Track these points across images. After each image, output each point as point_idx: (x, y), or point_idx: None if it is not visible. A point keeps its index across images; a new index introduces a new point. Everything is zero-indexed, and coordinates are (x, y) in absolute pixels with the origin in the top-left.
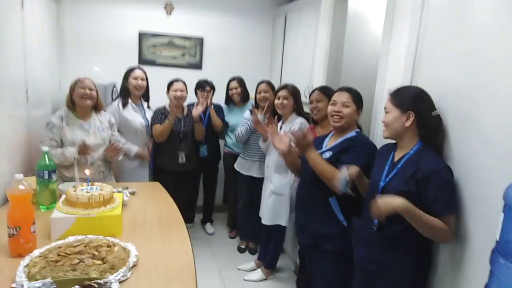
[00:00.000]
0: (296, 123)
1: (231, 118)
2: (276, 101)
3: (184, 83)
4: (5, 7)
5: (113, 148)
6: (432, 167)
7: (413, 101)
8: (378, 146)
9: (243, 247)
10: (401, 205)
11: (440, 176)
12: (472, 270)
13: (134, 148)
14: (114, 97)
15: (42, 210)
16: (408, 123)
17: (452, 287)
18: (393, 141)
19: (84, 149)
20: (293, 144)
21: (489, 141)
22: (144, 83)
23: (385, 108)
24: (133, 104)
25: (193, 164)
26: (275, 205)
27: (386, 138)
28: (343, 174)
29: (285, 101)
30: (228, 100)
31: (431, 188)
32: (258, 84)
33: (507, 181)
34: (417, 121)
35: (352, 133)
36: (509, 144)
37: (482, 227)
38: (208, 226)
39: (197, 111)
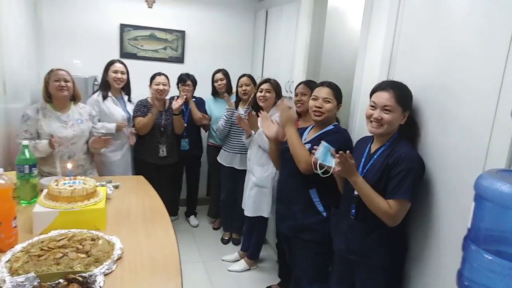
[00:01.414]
0: (276, 116)
1: (216, 110)
2: (259, 94)
3: (167, 77)
4: None
5: (101, 140)
6: (403, 154)
7: (410, 100)
8: (356, 139)
9: (226, 238)
10: (353, 178)
11: (406, 162)
12: (446, 256)
13: (112, 125)
14: (94, 90)
15: (23, 204)
16: (403, 121)
17: (427, 273)
18: (370, 134)
19: (53, 143)
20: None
21: (463, 132)
22: (125, 76)
23: (384, 105)
24: (113, 97)
25: (174, 157)
26: (257, 197)
27: (379, 134)
28: (323, 145)
29: (267, 94)
30: (214, 92)
31: (393, 171)
32: (239, 78)
33: (478, 171)
34: None
35: (330, 126)
36: (482, 134)
37: (454, 216)
38: (192, 219)
39: (176, 104)
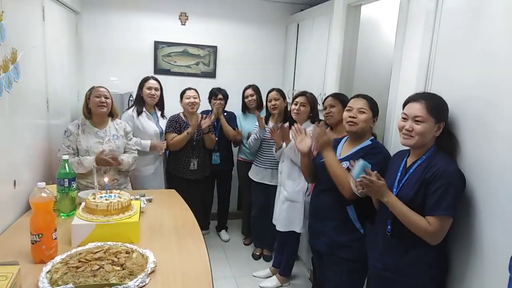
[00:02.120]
0: (309, 129)
1: (246, 125)
2: (293, 107)
3: (196, 91)
4: (27, 19)
5: (103, 159)
6: (441, 167)
7: (445, 111)
8: (392, 153)
9: (257, 254)
10: (385, 198)
11: (445, 177)
12: (490, 277)
13: (147, 142)
14: (130, 105)
15: (63, 217)
16: (438, 133)
17: None
18: (406, 148)
19: (102, 160)
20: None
21: (504, 144)
22: (158, 92)
23: (415, 116)
24: (147, 112)
25: (206, 172)
26: (289, 211)
27: (410, 146)
28: (359, 163)
29: (302, 108)
30: (244, 107)
31: (432, 186)
32: (268, 92)
33: None
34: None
35: (367, 142)
36: None
37: (498, 234)
38: (223, 233)
39: (205, 124)
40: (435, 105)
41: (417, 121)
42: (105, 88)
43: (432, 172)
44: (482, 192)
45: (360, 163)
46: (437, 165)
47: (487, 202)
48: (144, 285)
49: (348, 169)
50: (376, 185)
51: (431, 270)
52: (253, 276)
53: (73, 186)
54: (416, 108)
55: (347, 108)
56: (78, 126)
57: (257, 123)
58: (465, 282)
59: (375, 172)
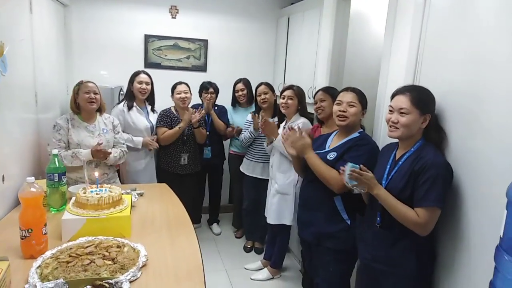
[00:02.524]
0: (299, 122)
1: (237, 119)
2: (281, 101)
3: (187, 85)
4: (14, 12)
5: (99, 151)
6: (430, 160)
7: (431, 102)
8: (381, 145)
9: (249, 246)
10: (375, 191)
11: (434, 169)
12: (477, 266)
13: (139, 139)
14: (120, 99)
15: (53, 212)
16: (424, 125)
17: (457, 283)
18: (395, 140)
19: (98, 152)
20: (292, 152)
21: (492, 138)
22: (149, 87)
23: (400, 108)
24: (138, 107)
25: (197, 167)
26: (279, 204)
27: (396, 138)
28: (348, 167)
29: (290, 101)
30: (234, 101)
31: (420, 178)
32: (257, 87)
33: (509, 178)
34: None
35: (355, 134)
36: (510, 142)
37: (485, 224)
38: (215, 227)
39: (194, 118)
40: (419, 97)
41: (402, 113)
42: (94, 83)
43: (421, 164)
44: (469, 183)
45: (348, 167)
46: (426, 157)
47: (473, 193)
48: (135, 279)
49: (338, 170)
50: (366, 178)
51: (419, 260)
52: (245, 268)
53: (63, 181)
54: (401, 101)
55: (336, 101)
56: (68, 120)
57: (247, 118)
58: (453, 271)
59: (361, 165)
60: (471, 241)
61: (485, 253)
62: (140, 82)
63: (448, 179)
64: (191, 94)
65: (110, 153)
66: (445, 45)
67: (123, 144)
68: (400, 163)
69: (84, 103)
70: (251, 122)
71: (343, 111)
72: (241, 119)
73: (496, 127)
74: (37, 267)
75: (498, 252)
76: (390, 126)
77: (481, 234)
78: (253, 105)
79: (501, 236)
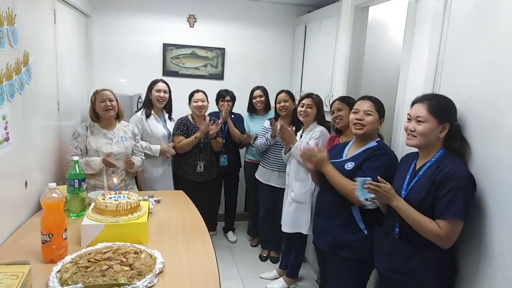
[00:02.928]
0: (316, 131)
1: (253, 127)
2: (300, 109)
3: (205, 93)
4: (39, 22)
5: (128, 161)
6: (452, 170)
7: (450, 111)
8: (400, 154)
9: (264, 255)
10: (394, 203)
11: (455, 180)
12: (501, 279)
13: (157, 147)
14: (139, 107)
15: (73, 217)
16: (443, 134)
17: None
18: (415, 150)
19: (109, 163)
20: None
21: None
22: (167, 95)
23: (417, 116)
24: (156, 115)
25: (213, 174)
26: (296, 213)
27: (413, 146)
28: (359, 182)
29: (309, 110)
30: (251, 108)
31: (441, 190)
32: (278, 94)
33: None
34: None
35: (373, 143)
36: None
37: (509, 235)
38: (230, 234)
39: (212, 130)
40: (437, 106)
41: (419, 121)
42: (109, 90)
43: (442, 175)
44: (492, 194)
45: (359, 182)
46: (447, 168)
47: (497, 204)
48: (152, 285)
49: (362, 171)
50: (384, 190)
51: (440, 272)
52: (260, 277)
53: (83, 187)
54: (418, 109)
55: (353, 110)
56: (87, 128)
57: (264, 125)
58: (475, 284)
59: (378, 177)
60: (494, 253)
61: (509, 265)
62: (158, 91)
63: (470, 190)
64: (208, 102)
65: (115, 166)
66: (465, 53)
67: (142, 152)
68: (421, 173)
69: (102, 112)
70: (268, 129)
71: (360, 120)
72: (257, 126)
73: None
74: (57, 272)
75: None
76: (408, 134)
77: (504, 246)
78: (269, 112)
79: None
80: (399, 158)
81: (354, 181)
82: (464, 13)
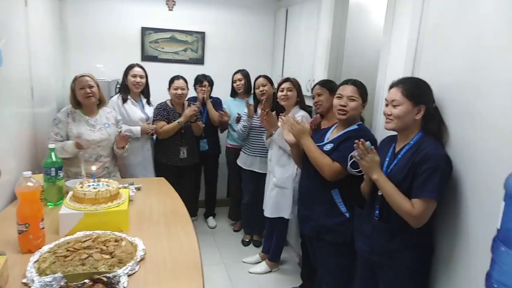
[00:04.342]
0: (298, 116)
1: (235, 110)
2: (280, 93)
3: (185, 80)
4: (9, 4)
5: (123, 137)
6: (430, 152)
7: (425, 94)
8: (380, 138)
9: (247, 240)
10: (374, 175)
11: (432, 161)
12: (474, 258)
13: (137, 128)
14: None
15: (50, 206)
16: (418, 116)
17: (455, 275)
18: (394, 133)
19: (79, 144)
20: (290, 139)
21: (491, 130)
22: (143, 80)
23: (392, 100)
24: (133, 100)
25: (195, 159)
26: (278, 198)
27: (391, 130)
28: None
29: (289, 93)
30: (233, 92)
31: (419, 169)
32: (256, 79)
33: (507, 171)
34: (424, 114)
35: (353, 126)
36: (509, 135)
37: (483, 217)
38: (210, 220)
39: (189, 112)
40: (411, 88)
41: (395, 105)
42: (89, 76)
43: (421, 156)
44: (468, 176)
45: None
46: (426, 150)
47: (472, 186)
48: (133, 273)
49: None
50: (370, 157)
51: (417, 253)
52: (243, 262)
53: (60, 175)
54: (393, 93)
55: (337, 95)
56: (68, 114)
57: (245, 110)
58: (451, 264)
59: (373, 146)
60: (470, 234)
61: (483, 246)
62: (134, 76)
63: (447, 171)
64: (188, 89)
65: (86, 147)
66: (446, 36)
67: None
68: (400, 155)
69: (82, 99)
70: (246, 114)
71: (344, 105)
72: (240, 110)
73: (495, 119)
74: (35, 262)
75: (495, 244)
76: (386, 118)
77: (479, 227)
78: (251, 96)
79: (498, 228)
80: (379, 142)
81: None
82: None
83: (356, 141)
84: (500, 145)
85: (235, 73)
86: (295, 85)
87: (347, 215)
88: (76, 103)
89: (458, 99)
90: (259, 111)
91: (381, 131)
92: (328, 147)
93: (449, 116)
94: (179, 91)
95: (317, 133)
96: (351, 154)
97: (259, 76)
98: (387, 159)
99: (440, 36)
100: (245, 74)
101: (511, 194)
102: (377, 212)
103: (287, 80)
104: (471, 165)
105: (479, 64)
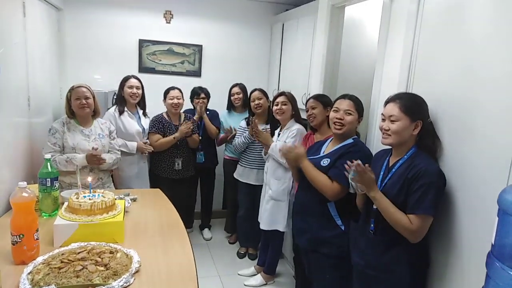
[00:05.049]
0: (293, 129)
1: (231, 123)
2: (275, 107)
3: (180, 91)
4: (7, 15)
5: (94, 156)
6: (423, 167)
7: (421, 109)
8: (375, 151)
9: (242, 252)
10: (372, 193)
11: (427, 177)
12: (469, 273)
13: (133, 144)
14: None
15: (45, 217)
16: (416, 132)
17: None
18: (388, 147)
19: (93, 158)
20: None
21: (485, 145)
22: (140, 91)
23: (390, 116)
24: (129, 112)
25: (191, 171)
26: (273, 210)
27: (388, 145)
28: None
29: (284, 107)
30: (230, 105)
31: (413, 185)
32: (251, 92)
33: (500, 186)
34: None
35: (349, 140)
36: (504, 148)
37: (477, 231)
38: (206, 232)
39: (186, 129)
40: (409, 104)
41: (392, 120)
42: (86, 87)
43: (414, 172)
44: (462, 191)
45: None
46: (419, 165)
47: (466, 200)
48: (128, 285)
49: (340, 164)
50: (368, 176)
51: (412, 267)
52: (238, 274)
53: (55, 186)
54: (391, 108)
55: (333, 108)
56: (63, 124)
57: (240, 124)
58: (445, 278)
59: (367, 164)
60: (464, 248)
61: (477, 260)
62: (131, 87)
63: (440, 187)
64: (183, 99)
65: (105, 160)
66: (439, 51)
67: (118, 150)
68: (394, 170)
69: (76, 109)
70: (245, 129)
71: (340, 119)
72: (235, 124)
73: (488, 134)
74: (28, 273)
75: (489, 259)
76: (384, 134)
77: (473, 242)
78: (247, 110)
79: (493, 243)
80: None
81: (329, 177)
82: (437, 15)
83: (349, 163)
84: (493, 159)
85: (233, 86)
86: (290, 99)
87: (343, 228)
88: (71, 113)
89: (451, 113)
90: (261, 127)
91: (375, 146)
92: (325, 162)
93: (443, 131)
94: (175, 101)
95: (313, 146)
96: (349, 177)
97: (255, 90)
98: (382, 173)
99: (434, 51)
100: (243, 88)
101: (505, 210)
102: (372, 226)
103: (282, 94)
104: (465, 180)
105: (472, 79)
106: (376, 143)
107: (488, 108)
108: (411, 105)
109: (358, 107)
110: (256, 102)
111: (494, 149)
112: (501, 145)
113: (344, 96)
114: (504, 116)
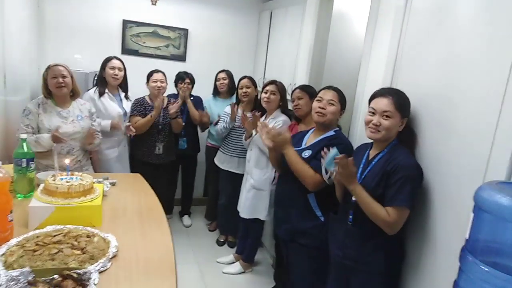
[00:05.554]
0: (279, 120)
1: (216, 110)
2: (263, 95)
3: (164, 74)
4: None
5: (91, 134)
6: (401, 161)
7: (408, 106)
8: (357, 145)
9: (222, 240)
10: (351, 186)
11: (405, 170)
12: (442, 266)
13: (107, 122)
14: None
15: (19, 198)
16: (401, 128)
17: (424, 281)
18: (369, 141)
19: (57, 138)
20: (269, 144)
21: (463, 142)
22: (122, 73)
23: (384, 111)
24: (110, 94)
25: (171, 157)
26: (254, 199)
27: (377, 140)
28: (332, 152)
29: (272, 96)
30: (215, 91)
31: (391, 178)
32: (240, 80)
33: (478, 182)
34: None
35: (330, 132)
36: (482, 146)
37: (451, 226)
38: (185, 218)
39: (173, 108)
40: (401, 101)
41: (386, 116)
42: (63, 66)
43: (393, 165)
44: (438, 186)
45: (333, 152)
46: (398, 159)
47: (442, 195)
48: (105, 270)
49: (320, 157)
50: (350, 169)
51: (388, 258)
52: (217, 262)
53: (31, 167)
54: (384, 103)
55: (317, 98)
56: (39, 105)
57: (225, 110)
58: (419, 270)
59: (351, 158)
60: (438, 241)
61: (450, 254)
62: (112, 68)
63: (418, 180)
64: (167, 83)
65: (63, 140)
66: (423, 49)
67: (99, 132)
68: (373, 163)
69: (53, 88)
70: (229, 114)
71: (323, 108)
72: (220, 110)
73: (467, 132)
74: (1, 255)
75: (463, 253)
76: (372, 128)
77: (447, 236)
78: (232, 97)
79: (467, 238)
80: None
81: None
82: (423, 10)
83: (325, 149)
84: (470, 157)
85: (220, 72)
86: (280, 89)
87: (322, 219)
88: (48, 92)
89: (433, 111)
90: (240, 111)
91: (358, 139)
92: (306, 153)
93: (424, 127)
94: (158, 84)
95: (295, 137)
96: (329, 170)
97: (244, 77)
98: (361, 166)
99: (418, 49)
100: (229, 74)
101: (480, 206)
102: (350, 217)
103: (272, 82)
104: (442, 175)
105: (454, 78)
106: (359, 137)
107: (467, 106)
108: (403, 103)
109: (341, 99)
110: (244, 90)
111: (471, 146)
112: (476, 143)
113: (328, 87)
114: (482, 114)
